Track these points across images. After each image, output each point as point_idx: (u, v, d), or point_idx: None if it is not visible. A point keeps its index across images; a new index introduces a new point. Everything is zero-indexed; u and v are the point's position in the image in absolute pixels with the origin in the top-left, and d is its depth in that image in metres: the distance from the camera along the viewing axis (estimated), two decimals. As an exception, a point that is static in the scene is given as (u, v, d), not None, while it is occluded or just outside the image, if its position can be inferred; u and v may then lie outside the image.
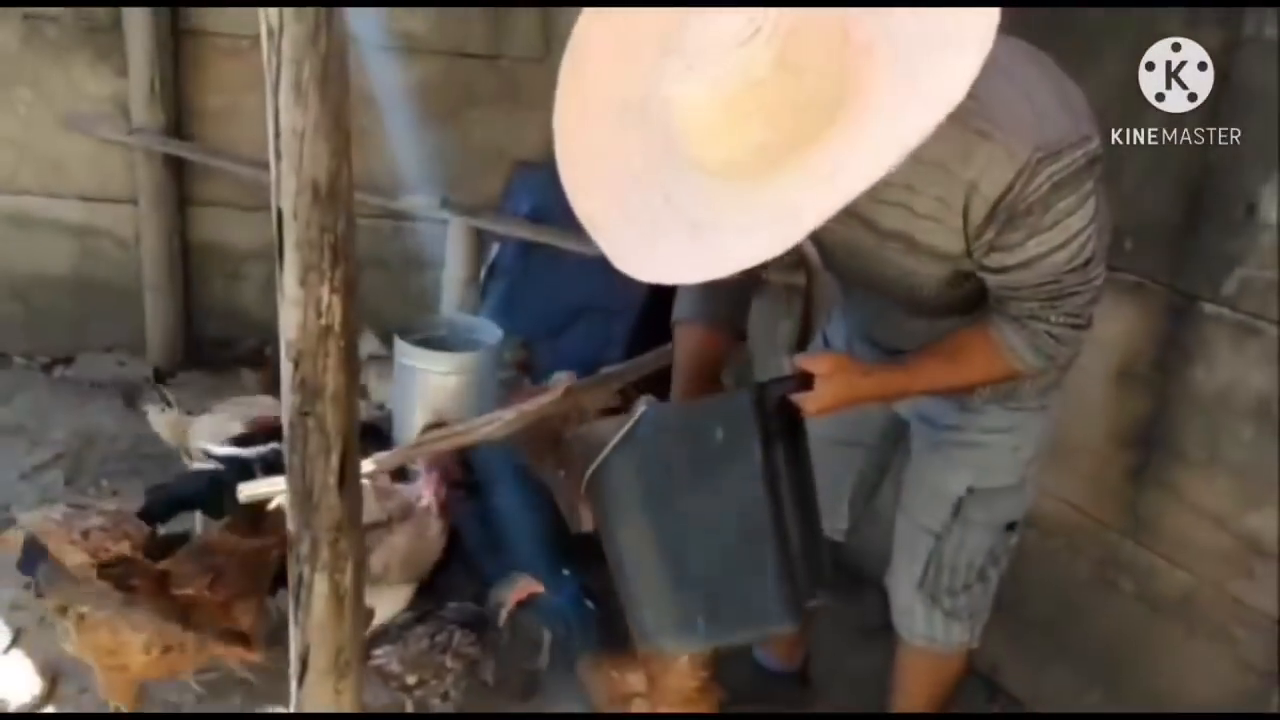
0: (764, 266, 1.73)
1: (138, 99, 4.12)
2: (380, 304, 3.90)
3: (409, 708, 2.55)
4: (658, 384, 3.61)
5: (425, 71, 4.19)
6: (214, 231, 4.42)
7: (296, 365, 1.67)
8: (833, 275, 2.13)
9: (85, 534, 2.66)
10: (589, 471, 1.89)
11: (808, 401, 1.85)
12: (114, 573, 2.56)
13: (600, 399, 2.89)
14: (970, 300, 1.85)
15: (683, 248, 1.49)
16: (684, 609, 1.89)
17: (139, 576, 2.56)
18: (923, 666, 2.36)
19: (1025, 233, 1.60)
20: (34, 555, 2.52)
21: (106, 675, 2.47)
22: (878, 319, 2.15)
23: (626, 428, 1.84)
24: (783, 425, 1.87)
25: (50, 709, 2.70)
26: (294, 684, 1.87)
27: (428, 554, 2.83)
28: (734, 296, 2.07)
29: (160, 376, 4.21)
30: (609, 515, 1.94)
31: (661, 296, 4.22)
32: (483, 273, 4.24)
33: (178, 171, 4.29)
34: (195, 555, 2.67)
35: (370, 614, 2.72)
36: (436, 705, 2.53)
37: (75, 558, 2.60)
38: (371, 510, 2.74)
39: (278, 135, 1.56)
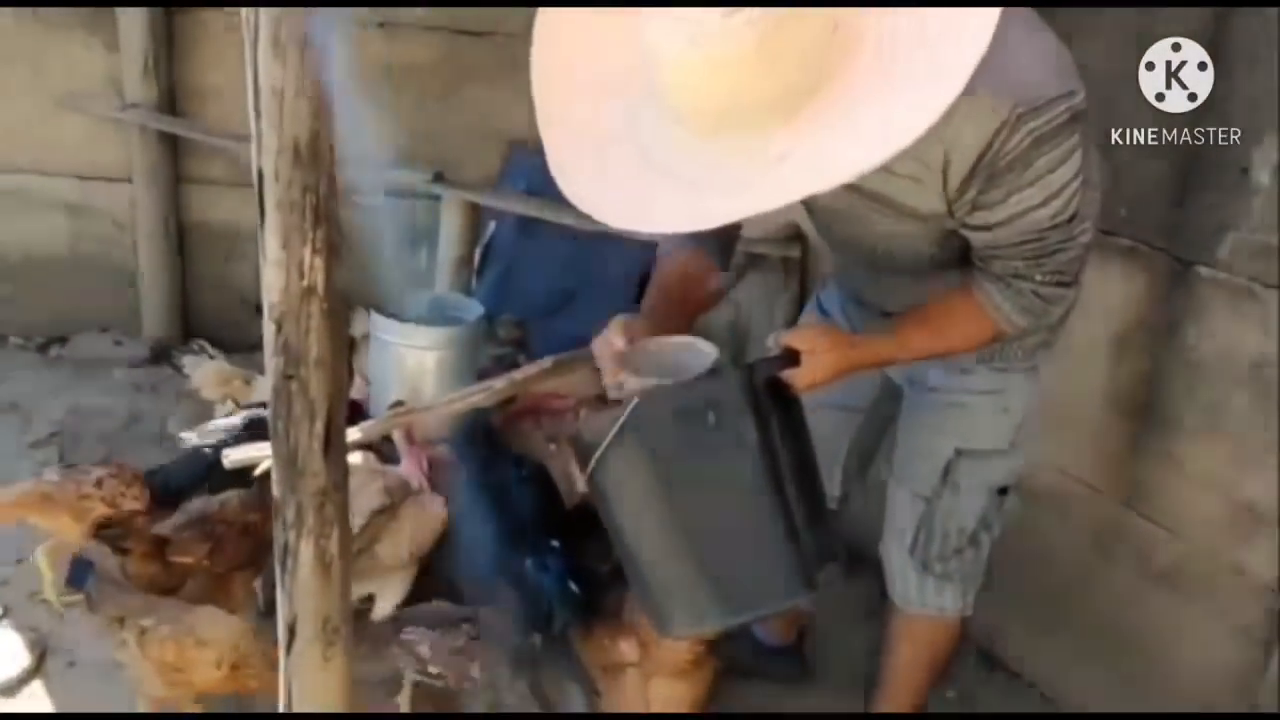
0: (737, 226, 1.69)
1: (131, 75, 4.12)
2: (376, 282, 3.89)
3: (406, 681, 2.54)
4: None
5: (421, 48, 4.18)
6: (210, 210, 4.41)
7: (279, 328, 1.64)
8: (821, 238, 2.11)
9: (99, 482, 2.75)
10: (588, 468, 1.86)
11: (797, 378, 1.83)
12: (110, 534, 2.58)
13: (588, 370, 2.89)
14: (959, 259, 1.84)
15: (657, 197, 1.48)
16: (692, 593, 1.87)
17: (134, 540, 2.59)
18: (915, 633, 2.35)
19: (1006, 190, 1.59)
20: (84, 568, 2.52)
21: (169, 689, 2.44)
22: (868, 281, 2.14)
23: (620, 420, 1.80)
24: (776, 402, 1.84)
25: (37, 683, 2.70)
26: (282, 652, 1.84)
27: (431, 532, 2.84)
28: (718, 236, 2.02)
29: (156, 356, 4.18)
30: (611, 507, 1.91)
31: None
32: (477, 254, 4.23)
33: (173, 149, 4.28)
34: (196, 523, 2.69)
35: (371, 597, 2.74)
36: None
37: (97, 509, 2.69)
38: (375, 495, 2.74)
39: (257, 94, 1.54)
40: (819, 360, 1.82)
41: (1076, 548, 2.76)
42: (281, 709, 1.90)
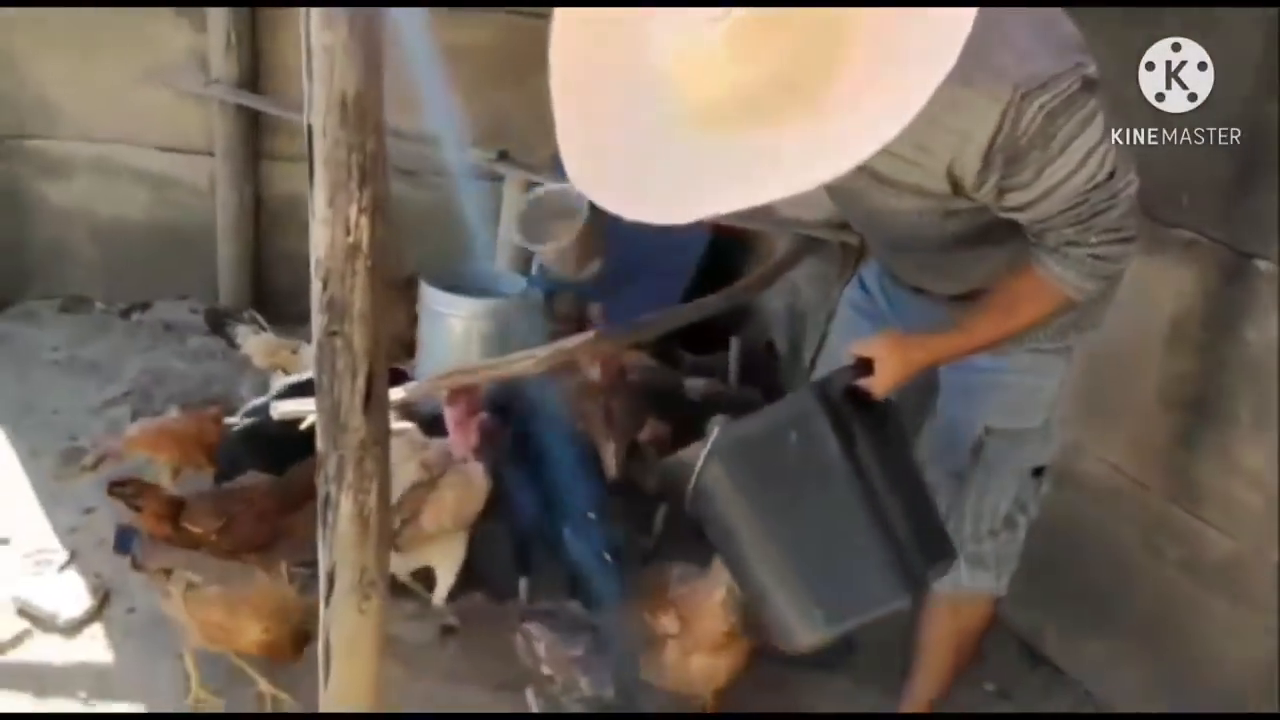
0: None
1: (216, 52, 4.18)
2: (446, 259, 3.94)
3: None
4: (693, 338, 3.58)
5: (488, 30, 4.19)
6: (287, 184, 4.47)
7: (325, 284, 1.68)
8: (845, 216, 2.14)
9: (216, 418, 3.05)
10: (687, 497, 1.96)
11: (874, 386, 1.89)
12: (123, 491, 2.68)
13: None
14: (975, 234, 1.84)
15: (653, 187, 1.50)
16: (800, 604, 1.91)
17: (147, 499, 2.68)
18: (945, 613, 2.33)
19: (1035, 167, 1.59)
20: (128, 535, 2.62)
21: (208, 643, 2.52)
22: (892, 256, 2.17)
23: (706, 449, 1.91)
24: (858, 411, 1.89)
25: (97, 626, 2.76)
26: (321, 604, 1.87)
27: (474, 501, 2.84)
28: None
29: (212, 326, 4.12)
30: (714, 532, 1.99)
31: (717, 258, 4.19)
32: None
33: (253, 124, 4.35)
34: (216, 496, 2.80)
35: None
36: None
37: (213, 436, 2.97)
38: (412, 470, 2.78)
39: (309, 54, 1.58)
40: (890, 365, 1.88)
41: (1123, 544, 2.69)
42: (320, 658, 1.92)
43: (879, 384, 1.88)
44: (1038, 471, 2.16)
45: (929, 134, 1.54)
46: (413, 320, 3.71)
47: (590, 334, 2.43)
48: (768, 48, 1.35)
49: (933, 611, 2.35)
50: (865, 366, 1.90)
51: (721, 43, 1.35)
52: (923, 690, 2.47)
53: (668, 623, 2.50)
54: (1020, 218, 1.72)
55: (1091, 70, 1.56)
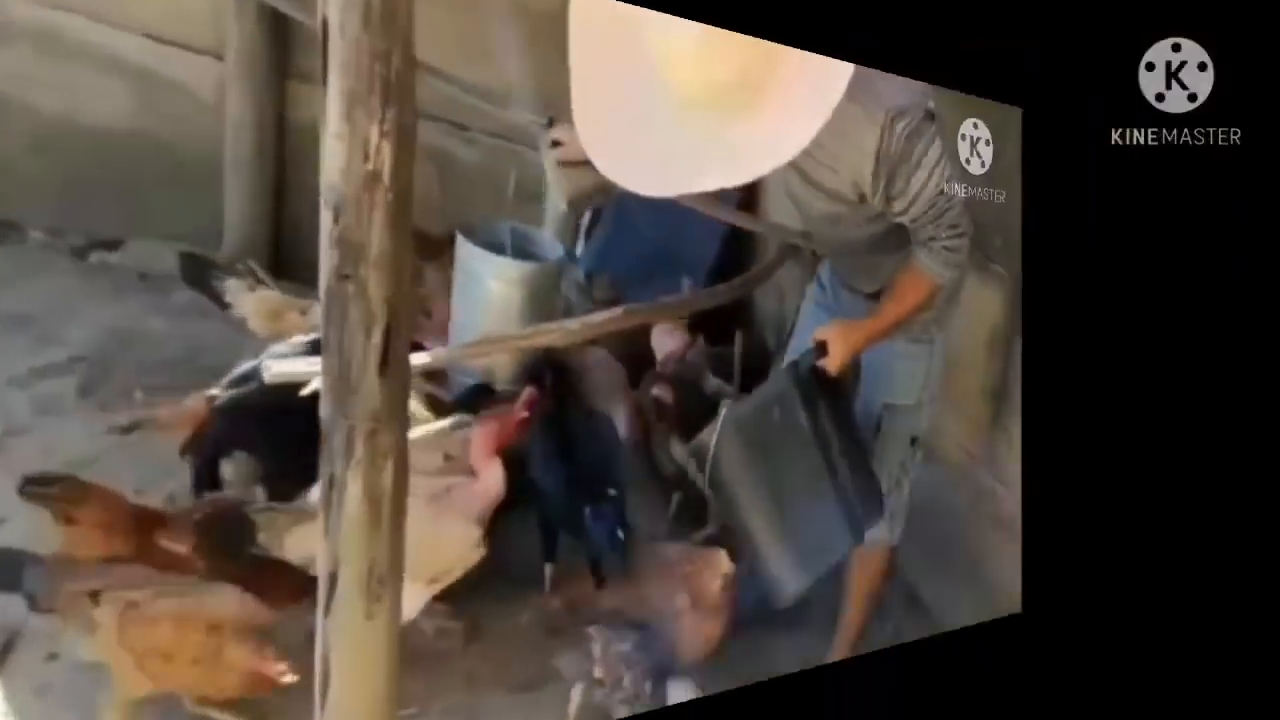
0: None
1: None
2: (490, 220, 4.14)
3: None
4: (712, 321, 4.53)
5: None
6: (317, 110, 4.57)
7: (336, 216, 1.75)
8: None
9: None
10: (706, 471, 2.91)
11: (829, 365, 2.89)
12: (47, 494, 2.65)
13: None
14: (878, 241, 2.89)
15: (642, 161, 2.44)
16: (789, 560, 2.92)
17: (90, 508, 2.68)
18: (856, 563, 3.41)
19: (905, 178, 2.58)
20: (16, 564, 2.53)
21: (152, 683, 2.53)
22: (835, 260, 3.25)
23: (717, 427, 2.87)
24: (822, 388, 2.90)
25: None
26: (320, 611, 1.95)
27: (445, 557, 2.98)
28: None
29: (189, 277, 3.91)
30: (728, 503, 2.99)
31: (733, 256, 5.12)
32: (587, 215, 4.95)
33: (278, 33, 4.36)
34: (192, 513, 2.92)
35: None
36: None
37: None
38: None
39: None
40: (838, 345, 2.89)
41: (961, 505, 3.94)
42: (317, 679, 2.01)
43: (832, 362, 2.88)
44: (914, 440, 3.21)
45: (840, 148, 2.56)
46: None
47: (618, 311, 3.26)
48: (728, 54, 2.29)
49: (849, 561, 3.31)
50: (823, 348, 2.88)
51: (693, 44, 2.28)
52: (847, 635, 3.55)
53: (680, 599, 3.38)
54: (904, 219, 2.68)
55: (931, 105, 2.52)
